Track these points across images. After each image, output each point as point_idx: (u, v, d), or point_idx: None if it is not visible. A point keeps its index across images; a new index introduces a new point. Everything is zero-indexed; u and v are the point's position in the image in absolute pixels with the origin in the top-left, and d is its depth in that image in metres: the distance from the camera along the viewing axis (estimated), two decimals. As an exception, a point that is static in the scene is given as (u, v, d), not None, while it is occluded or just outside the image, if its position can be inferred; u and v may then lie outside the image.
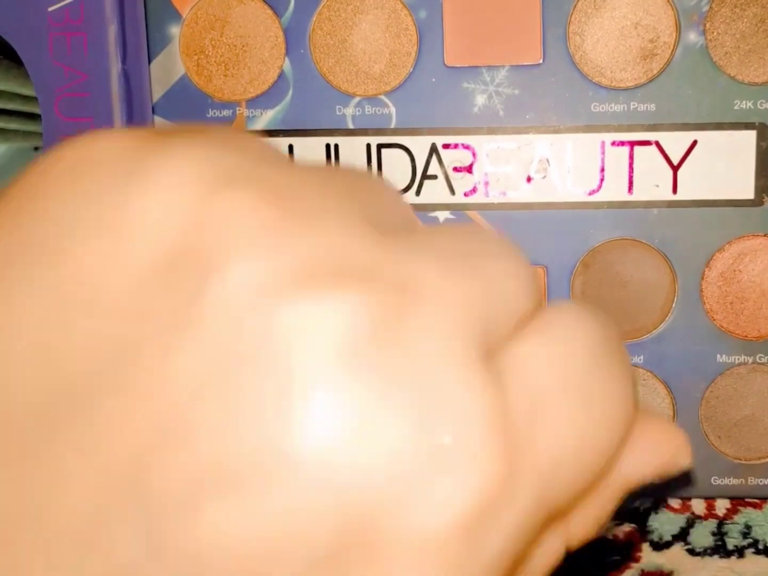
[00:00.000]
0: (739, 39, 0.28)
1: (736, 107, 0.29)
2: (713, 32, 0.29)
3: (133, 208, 0.14)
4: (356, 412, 0.13)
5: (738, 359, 0.30)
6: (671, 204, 0.29)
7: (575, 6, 0.29)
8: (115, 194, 0.14)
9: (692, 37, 0.29)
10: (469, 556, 0.13)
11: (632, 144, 0.29)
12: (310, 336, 0.13)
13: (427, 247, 0.15)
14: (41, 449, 0.14)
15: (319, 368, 0.13)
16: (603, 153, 0.29)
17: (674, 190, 0.29)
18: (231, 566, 0.13)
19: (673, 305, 0.30)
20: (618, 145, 0.29)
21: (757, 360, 0.30)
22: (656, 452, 0.19)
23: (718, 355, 0.30)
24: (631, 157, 0.29)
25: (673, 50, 0.29)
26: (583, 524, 0.18)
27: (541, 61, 0.29)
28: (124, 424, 0.14)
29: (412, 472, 0.13)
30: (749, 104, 0.29)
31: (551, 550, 0.17)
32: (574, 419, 0.15)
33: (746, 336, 0.30)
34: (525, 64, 0.29)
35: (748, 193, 0.29)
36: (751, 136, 0.29)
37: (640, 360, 0.30)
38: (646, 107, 0.29)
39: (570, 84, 0.29)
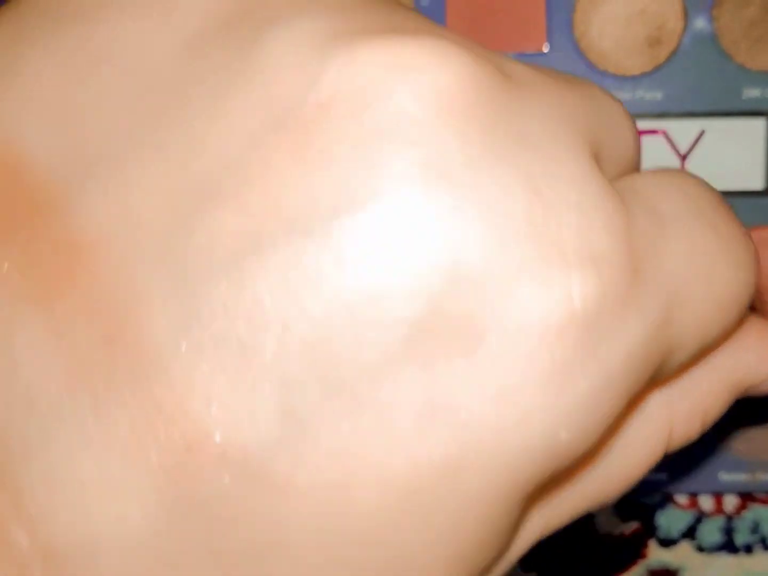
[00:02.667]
0: (748, 26, 0.28)
1: (744, 96, 0.28)
2: (721, 19, 0.28)
3: None
4: (458, 185, 0.11)
5: (747, 352, 0.29)
6: (679, 194, 0.29)
7: (580, -7, 0.28)
8: None
9: (700, 24, 0.28)
10: (584, 355, 0.11)
11: (639, 133, 0.29)
12: (408, 79, 0.11)
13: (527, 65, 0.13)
14: None
15: (415, 121, 0.11)
16: (609, 143, 0.29)
17: (682, 180, 0.29)
18: (313, 336, 0.11)
19: (681, 298, 0.30)
20: (624, 134, 0.29)
21: (767, 353, 0.29)
22: None
23: (727, 349, 0.29)
24: (638, 146, 0.29)
25: (680, 37, 0.28)
26: (690, 416, 0.16)
27: (546, 49, 0.29)
28: (160, 182, 0.11)
29: (525, 256, 0.11)
30: (758, 92, 0.28)
31: (654, 423, 0.16)
32: (704, 244, 0.13)
33: (756, 329, 0.29)
34: (529, 52, 0.29)
35: (758, 184, 0.29)
36: (760, 124, 0.28)
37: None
38: (653, 95, 0.28)
39: (575, 72, 0.29)
